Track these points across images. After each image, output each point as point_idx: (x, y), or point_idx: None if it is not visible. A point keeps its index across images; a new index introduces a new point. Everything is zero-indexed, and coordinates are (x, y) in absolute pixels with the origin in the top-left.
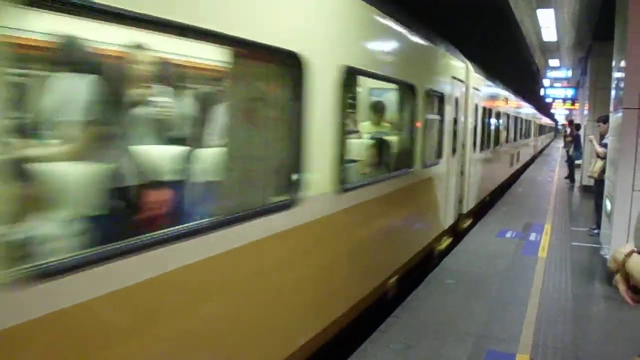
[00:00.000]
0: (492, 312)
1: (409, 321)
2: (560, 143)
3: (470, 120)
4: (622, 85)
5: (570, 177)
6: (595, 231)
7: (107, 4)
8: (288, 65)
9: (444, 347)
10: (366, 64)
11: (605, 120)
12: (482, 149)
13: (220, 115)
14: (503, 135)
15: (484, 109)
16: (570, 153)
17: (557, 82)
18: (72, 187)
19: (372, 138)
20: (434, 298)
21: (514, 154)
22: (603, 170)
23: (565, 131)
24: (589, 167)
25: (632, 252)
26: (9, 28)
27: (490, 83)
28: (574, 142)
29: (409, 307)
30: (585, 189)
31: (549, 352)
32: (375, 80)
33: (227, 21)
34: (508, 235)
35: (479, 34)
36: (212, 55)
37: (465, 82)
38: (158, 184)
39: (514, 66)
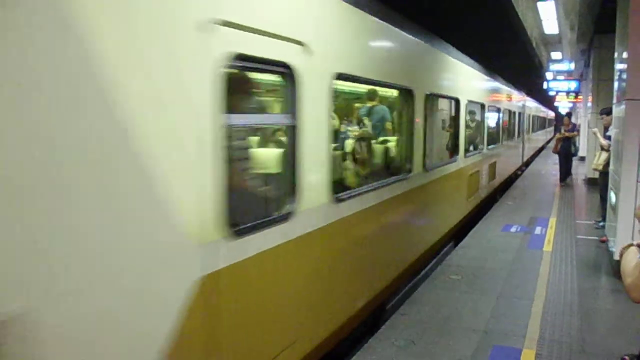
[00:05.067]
0: (498, 307)
1: (415, 317)
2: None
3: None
4: (624, 76)
5: (568, 171)
6: (601, 224)
7: None
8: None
9: (449, 343)
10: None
11: (608, 112)
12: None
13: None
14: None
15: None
16: (572, 150)
17: (560, 74)
18: None
19: None
20: (439, 294)
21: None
22: (607, 163)
23: (560, 130)
24: (593, 160)
25: (629, 245)
26: None
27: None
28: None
29: (414, 304)
30: (590, 181)
31: (555, 347)
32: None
33: None
34: (513, 229)
35: (480, 27)
36: None
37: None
38: None
39: (516, 59)
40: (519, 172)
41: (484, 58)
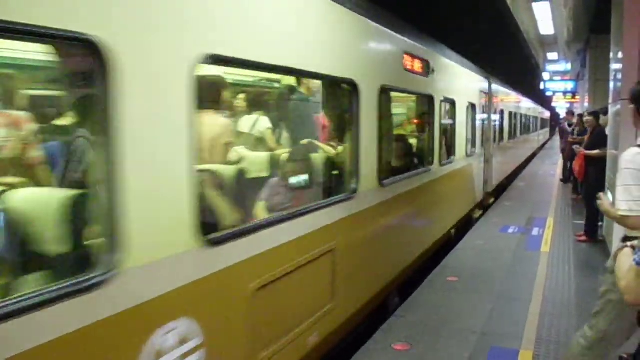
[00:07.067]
0: (496, 308)
1: (412, 319)
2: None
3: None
4: (620, 77)
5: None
6: (599, 224)
7: None
8: None
9: (446, 345)
10: None
11: (604, 112)
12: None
13: None
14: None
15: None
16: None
17: (557, 75)
18: None
19: None
20: (436, 295)
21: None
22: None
23: (563, 130)
24: None
25: (624, 246)
26: None
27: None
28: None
29: (411, 306)
30: None
31: (553, 348)
32: None
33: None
34: (511, 230)
35: (476, 28)
36: None
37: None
38: None
39: (513, 60)
40: (476, 214)
41: (481, 60)
